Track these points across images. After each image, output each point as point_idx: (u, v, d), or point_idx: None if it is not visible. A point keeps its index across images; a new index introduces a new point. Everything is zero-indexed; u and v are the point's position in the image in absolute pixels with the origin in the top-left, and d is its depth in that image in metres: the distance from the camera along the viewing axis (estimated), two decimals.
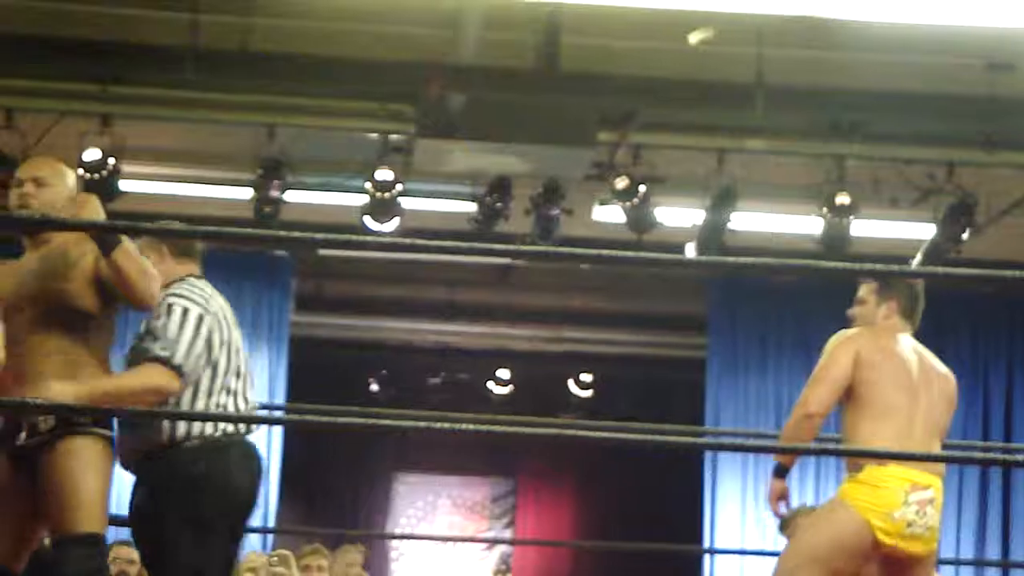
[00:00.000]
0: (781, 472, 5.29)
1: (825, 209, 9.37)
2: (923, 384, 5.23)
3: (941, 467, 5.21)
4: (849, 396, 5.20)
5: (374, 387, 14.75)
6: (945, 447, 5.49)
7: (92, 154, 9.00)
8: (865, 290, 5.43)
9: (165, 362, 4.67)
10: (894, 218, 9.97)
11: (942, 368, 5.37)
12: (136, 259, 4.51)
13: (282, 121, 9.17)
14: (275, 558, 8.14)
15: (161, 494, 4.64)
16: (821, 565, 5.02)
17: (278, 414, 10.47)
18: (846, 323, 5.43)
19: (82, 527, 4.44)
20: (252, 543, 10.39)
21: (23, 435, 4.53)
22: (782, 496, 5.32)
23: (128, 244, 4.51)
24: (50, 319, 4.56)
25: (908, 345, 5.31)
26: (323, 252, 11.27)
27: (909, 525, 5.02)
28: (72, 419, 4.49)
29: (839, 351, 5.22)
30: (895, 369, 5.19)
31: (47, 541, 4.65)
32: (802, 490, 11.33)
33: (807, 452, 5.10)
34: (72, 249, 4.62)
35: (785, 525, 6.66)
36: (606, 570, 15.16)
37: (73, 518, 4.44)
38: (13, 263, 4.74)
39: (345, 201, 9.68)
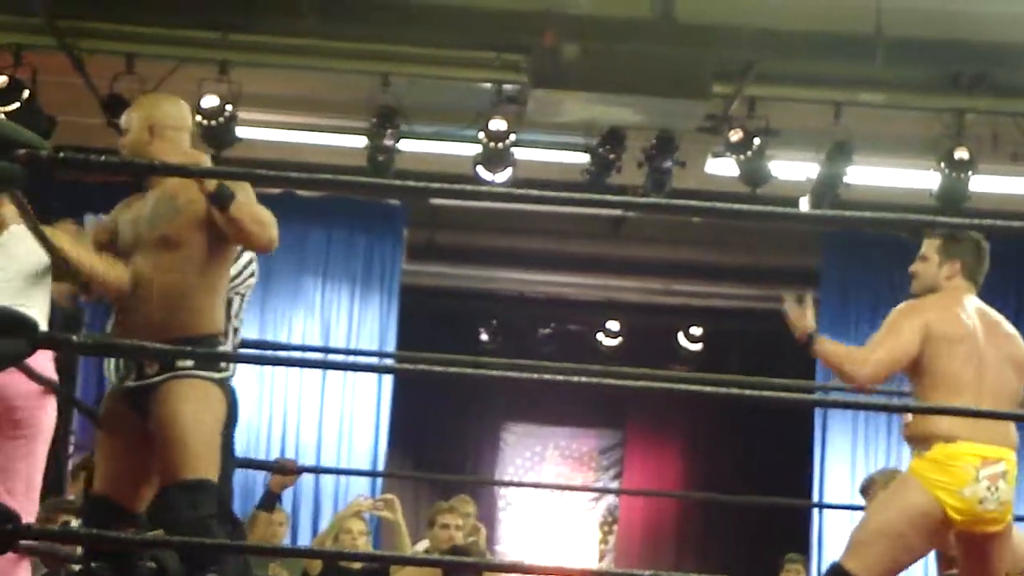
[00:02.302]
0: (809, 341, 5.22)
1: (943, 164, 9.25)
2: (991, 352, 5.10)
3: (1013, 438, 5.08)
4: (916, 369, 5.09)
5: (484, 337, 14.79)
6: None
7: (210, 101, 9.11)
8: (929, 247, 5.32)
9: None
10: (1014, 173, 9.82)
11: (1009, 329, 5.22)
12: (250, 210, 4.56)
13: (397, 70, 9.21)
14: (380, 502, 8.20)
15: None
16: (892, 541, 4.95)
17: (388, 362, 10.56)
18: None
19: (188, 473, 4.47)
20: (361, 486, 10.50)
21: (131, 378, 4.60)
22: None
23: (241, 197, 4.55)
24: (160, 262, 4.61)
25: (973, 309, 5.18)
26: (436, 201, 11.32)
27: (981, 502, 4.92)
28: (176, 364, 4.52)
29: (905, 323, 5.11)
30: (963, 341, 5.06)
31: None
32: (881, 450, 11.27)
33: (889, 409, 5.02)
34: (180, 194, 4.65)
35: (865, 489, 6.59)
36: (713, 524, 15.15)
37: (179, 464, 4.48)
38: (137, 205, 4.79)
39: (458, 151, 9.71)
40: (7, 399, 4.81)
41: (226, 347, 5.22)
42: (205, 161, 4.77)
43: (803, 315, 5.24)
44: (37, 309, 4.61)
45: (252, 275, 5.37)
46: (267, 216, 4.65)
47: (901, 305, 5.21)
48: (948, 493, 4.91)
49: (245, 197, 4.59)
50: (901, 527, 4.95)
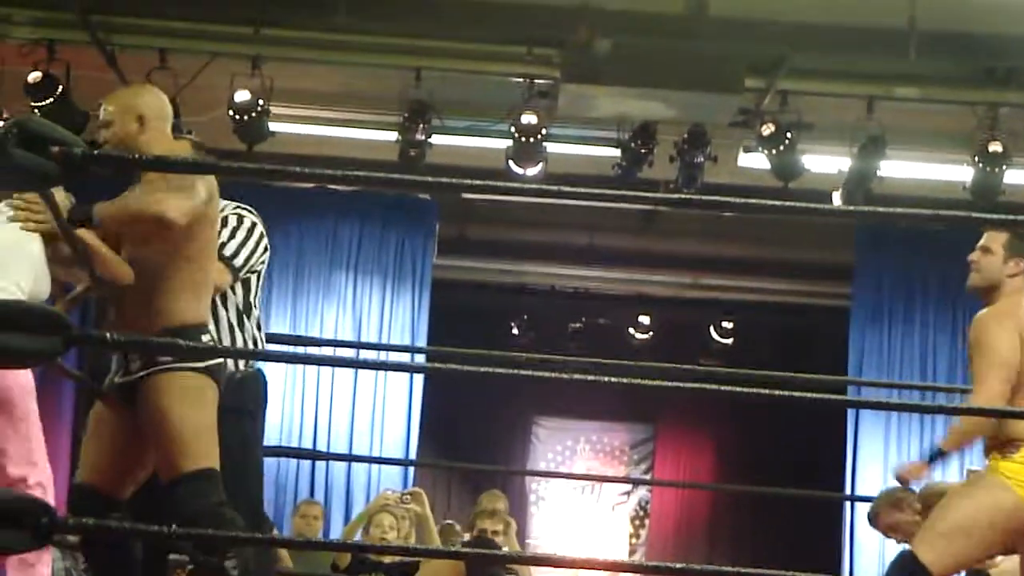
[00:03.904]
0: (936, 456, 5.16)
1: (976, 157, 9.21)
2: None
3: None
4: None
5: (515, 331, 14.80)
6: None
7: (242, 96, 9.14)
8: (993, 240, 5.17)
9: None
10: None
11: None
12: (121, 205, 4.48)
13: (428, 64, 9.22)
14: (408, 496, 8.21)
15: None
16: (973, 539, 4.88)
17: (419, 358, 10.57)
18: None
19: (184, 465, 4.46)
20: (391, 485, 10.52)
21: (120, 374, 4.60)
22: (916, 476, 5.22)
23: (103, 207, 4.46)
24: (139, 255, 4.58)
25: None
26: (467, 196, 11.32)
27: None
28: (157, 359, 4.49)
29: (1001, 336, 5.00)
30: None
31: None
32: (914, 442, 11.24)
33: (921, 410, 4.99)
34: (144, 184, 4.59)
35: (874, 517, 6.50)
36: (745, 518, 15.13)
37: (176, 458, 4.47)
38: None
39: (490, 145, 9.71)
40: (6, 389, 4.87)
41: (247, 327, 5.26)
42: (188, 151, 4.77)
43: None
44: (13, 283, 4.63)
45: (265, 250, 5.38)
46: (146, 199, 4.47)
47: (986, 316, 5.08)
48: None
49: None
50: (984, 526, 4.89)
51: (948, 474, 10.23)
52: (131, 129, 4.62)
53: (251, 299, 5.34)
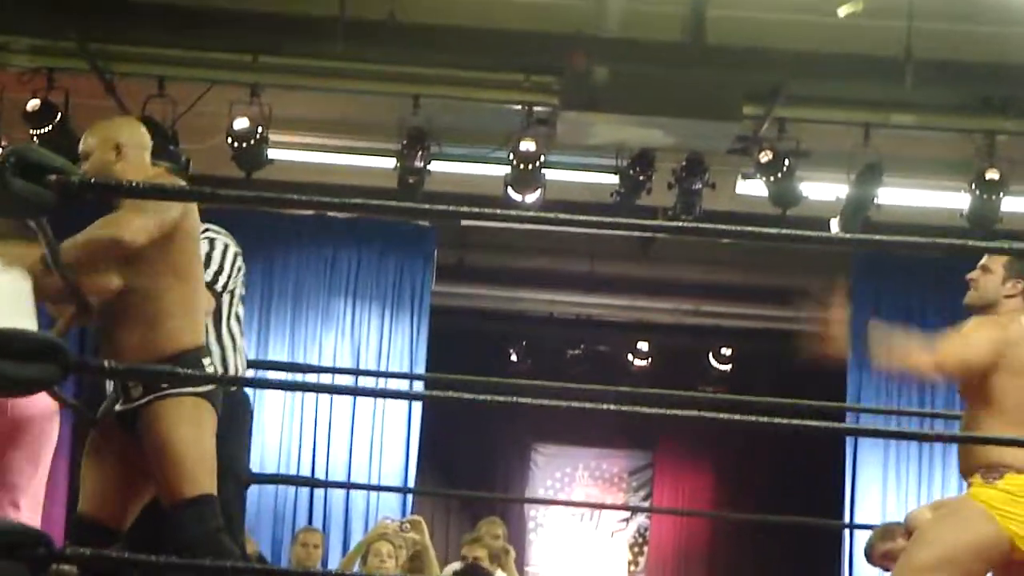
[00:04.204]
0: (875, 339, 4.99)
1: (973, 185, 9.23)
2: None
3: None
4: (980, 394, 4.95)
5: (513, 357, 14.80)
6: None
7: (241, 123, 9.15)
8: (994, 260, 5.12)
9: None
10: None
11: None
12: (74, 242, 4.46)
13: (427, 92, 9.24)
14: (407, 524, 8.20)
15: None
16: (958, 568, 4.80)
17: (418, 385, 10.57)
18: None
19: (187, 491, 4.46)
20: (389, 513, 10.50)
21: (119, 403, 4.59)
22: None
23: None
24: (131, 284, 4.55)
25: None
26: (466, 223, 11.33)
27: None
28: (157, 385, 4.49)
29: (979, 332, 4.97)
30: None
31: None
32: (912, 471, 11.24)
33: (919, 438, 4.98)
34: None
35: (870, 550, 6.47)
36: (744, 546, 15.10)
37: (179, 483, 4.46)
38: None
39: (488, 172, 9.73)
40: (23, 417, 4.86)
41: (228, 349, 5.27)
42: (167, 179, 4.79)
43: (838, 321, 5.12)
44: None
45: (240, 269, 5.39)
46: (100, 226, 4.47)
47: (978, 318, 5.07)
48: (1020, 525, 4.80)
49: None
50: (968, 557, 4.81)
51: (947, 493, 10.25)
52: (108, 158, 4.64)
53: (234, 323, 5.35)
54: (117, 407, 4.60)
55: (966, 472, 5.01)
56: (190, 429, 4.50)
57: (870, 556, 6.44)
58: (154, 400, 4.50)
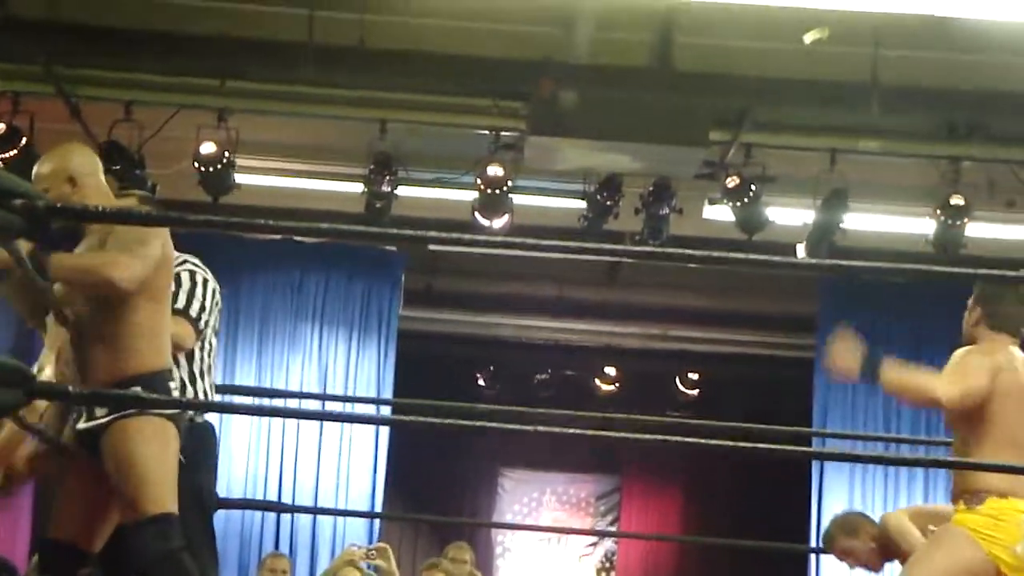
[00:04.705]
0: (874, 370, 4.99)
1: (939, 211, 9.27)
2: None
3: None
4: (970, 420, 4.99)
5: (481, 382, 14.79)
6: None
7: (208, 148, 9.13)
8: (972, 298, 5.21)
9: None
10: (1009, 220, 9.83)
11: None
12: (71, 264, 4.53)
13: (394, 116, 9.24)
14: (373, 551, 8.16)
15: None
16: None
17: (385, 410, 10.54)
18: (958, 325, 5.28)
19: (150, 508, 4.46)
20: (357, 538, 10.47)
21: (83, 419, 4.59)
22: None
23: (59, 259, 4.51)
24: (95, 307, 4.57)
25: (1020, 362, 5.11)
26: (433, 248, 11.32)
27: None
28: (122, 405, 4.51)
29: (979, 365, 4.99)
30: (1019, 398, 4.98)
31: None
32: (879, 494, 11.28)
33: (884, 462, 4.99)
34: (108, 239, 4.60)
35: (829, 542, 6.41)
36: (711, 570, 15.09)
37: (140, 501, 4.47)
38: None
39: (456, 197, 9.72)
40: None
41: (199, 384, 5.27)
42: (132, 203, 4.79)
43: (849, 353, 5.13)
44: None
45: (217, 305, 5.41)
46: (99, 260, 4.53)
47: (968, 348, 5.10)
48: (1002, 549, 4.85)
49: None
50: None
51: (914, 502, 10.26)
52: (64, 191, 4.63)
53: (207, 356, 5.36)
54: (80, 425, 4.59)
55: (954, 498, 5.07)
56: (153, 448, 4.51)
57: (830, 545, 6.40)
58: (118, 419, 4.50)
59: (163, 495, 4.49)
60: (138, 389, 4.52)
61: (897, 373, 5.05)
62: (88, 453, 4.58)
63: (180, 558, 4.45)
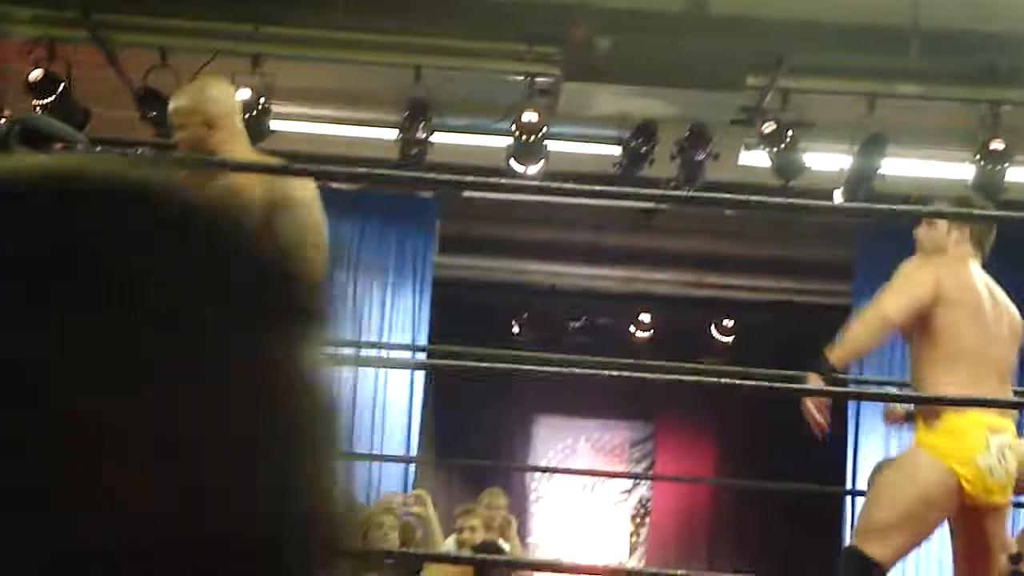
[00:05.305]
0: (828, 370, 5.01)
1: (978, 155, 9.21)
2: (993, 323, 5.00)
3: (1013, 411, 5.04)
4: (921, 332, 4.96)
5: (515, 329, 14.81)
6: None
7: (242, 94, 9.10)
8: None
9: None
10: None
11: (1010, 305, 5.13)
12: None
13: (429, 63, 9.20)
14: (412, 498, 8.20)
15: None
16: (916, 522, 4.83)
17: (420, 356, 10.57)
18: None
19: None
20: (392, 484, 10.51)
21: None
22: (824, 404, 5.05)
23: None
24: None
25: (981, 279, 5.08)
26: (468, 194, 11.31)
27: (991, 471, 4.81)
28: None
29: (919, 274, 5.00)
30: (972, 307, 4.95)
31: None
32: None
33: (920, 400, 4.97)
34: (244, 192, 4.58)
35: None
36: (746, 515, 15.11)
37: None
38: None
39: (490, 143, 9.70)
40: None
41: None
42: (259, 157, 4.79)
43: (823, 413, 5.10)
44: None
45: None
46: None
47: (912, 259, 5.10)
48: (961, 463, 4.80)
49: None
50: (923, 507, 4.83)
51: None
52: (200, 134, 4.61)
53: None
54: None
55: (916, 416, 5.03)
56: None
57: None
58: None
59: None
60: None
61: (840, 343, 5.08)
62: None
63: None
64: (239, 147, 4.64)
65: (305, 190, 4.65)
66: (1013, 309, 5.15)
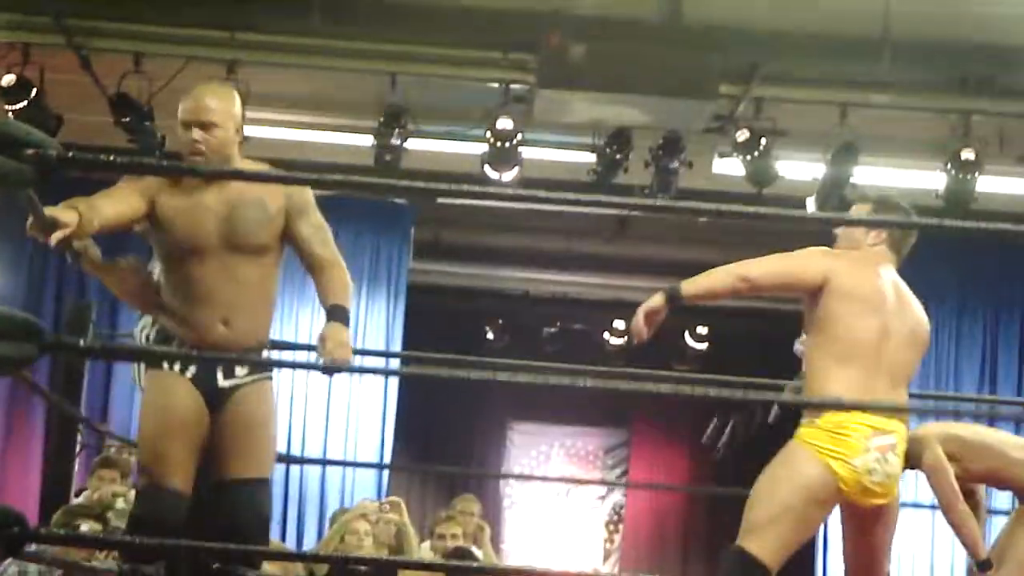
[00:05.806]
0: (675, 294, 5.02)
1: (949, 164, 9.26)
2: (896, 323, 4.95)
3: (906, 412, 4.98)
4: (811, 320, 4.94)
5: (490, 335, 14.81)
6: (913, 396, 5.16)
7: None
8: (857, 212, 5.24)
9: None
10: (1020, 174, 9.82)
11: (919, 309, 5.09)
12: None
13: (404, 69, 9.21)
14: (386, 504, 8.20)
15: None
16: (795, 519, 4.77)
17: (395, 363, 10.56)
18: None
19: (268, 470, 4.67)
20: (365, 490, 10.51)
21: (220, 376, 4.68)
22: (654, 315, 5.03)
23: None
24: (247, 270, 4.74)
25: (889, 279, 5.04)
26: (442, 201, 11.33)
27: (870, 473, 4.76)
28: (261, 367, 4.72)
29: (809, 257, 4.99)
30: (867, 303, 4.91)
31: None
32: None
33: (898, 410, 4.97)
34: (269, 201, 4.73)
35: None
36: (720, 523, 15.12)
37: (267, 461, 4.67)
38: (196, 197, 4.74)
39: (465, 150, 9.72)
40: None
41: None
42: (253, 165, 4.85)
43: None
44: None
45: None
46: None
47: (813, 248, 5.07)
48: (839, 463, 4.76)
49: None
50: (801, 503, 4.77)
51: None
52: (231, 138, 4.70)
53: None
54: (222, 383, 4.66)
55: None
56: (274, 415, 4.78)
57: None
58: (259, 380, 4.70)
59: (273, 459, 4.76)
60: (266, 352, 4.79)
61: (696, 278, 5.16)
62: (209, 408, 4.65)
63: (268, 527, 4.69)
64: (246, 163, 4.78)
65: (310, 193, 4.89)
66: (923, 317, 5.10)
